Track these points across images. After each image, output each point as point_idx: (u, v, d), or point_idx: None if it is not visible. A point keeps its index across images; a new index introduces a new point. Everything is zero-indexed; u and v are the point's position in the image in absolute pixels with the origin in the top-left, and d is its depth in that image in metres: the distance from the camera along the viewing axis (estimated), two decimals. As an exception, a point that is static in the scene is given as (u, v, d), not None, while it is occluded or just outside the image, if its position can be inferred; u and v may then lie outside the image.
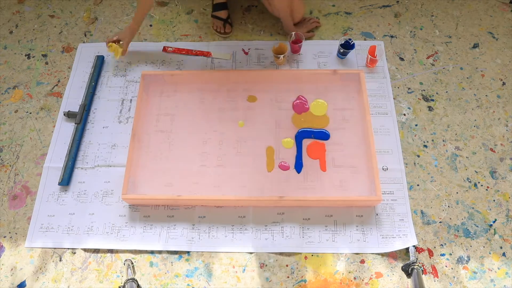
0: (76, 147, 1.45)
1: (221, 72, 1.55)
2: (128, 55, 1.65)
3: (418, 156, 1.42)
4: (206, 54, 1.63)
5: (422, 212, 1.33)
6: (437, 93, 1.54)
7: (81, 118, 1.48)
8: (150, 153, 1.42)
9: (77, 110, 1.52)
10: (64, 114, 1.51)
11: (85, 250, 1.30)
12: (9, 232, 1.35)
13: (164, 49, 1.66)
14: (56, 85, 1.62)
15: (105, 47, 1.63)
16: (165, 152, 1.43)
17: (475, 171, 1.39)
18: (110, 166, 1.43)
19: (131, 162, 1.36)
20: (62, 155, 1.46)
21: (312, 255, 1.27)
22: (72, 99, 1.57)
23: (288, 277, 1.24)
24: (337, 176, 1.35)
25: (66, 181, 1.39)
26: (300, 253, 1.27)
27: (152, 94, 1.54)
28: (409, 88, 1.55)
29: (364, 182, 1.34)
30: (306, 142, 1.42)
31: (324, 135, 1.42)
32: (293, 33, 1.54)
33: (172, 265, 1.27)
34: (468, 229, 1.30)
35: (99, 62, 1.63)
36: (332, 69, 1.50)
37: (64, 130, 1.50)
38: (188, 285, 1.24)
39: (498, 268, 1.24)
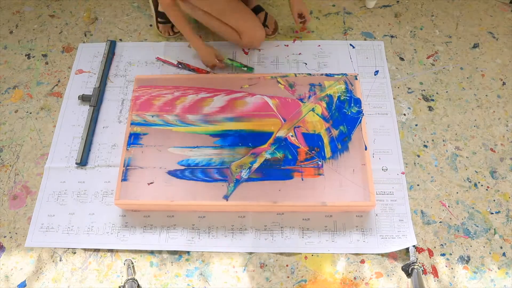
0: (93, 128, 1.49)
1: (218, 76, 1.55)
2: (128, 55, 1.66)
3: (418, 156, 1.42)
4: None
5: (422, 212, 1.33)
6: (437, 93, 1.54)
7: (96, 101, 1.52)
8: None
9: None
10: (78, 98, 1.55)
11: (85, 250, 1.31)
12: (9, 232, 1.35)
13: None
14: (56, 85, 1.62)
15: (104, 44, 1.65)
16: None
17: (475, 171, 1.39)
18: (110, 166, 1.43)
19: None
20: (63, 155, 1.46)
21: (312, 255, 1.27)
22: (73, 99, 1.57)
23: (288, 277, 1.24)
24: (336, 178, 1.34)
25: (85, 161, 1.44)
26: (300, 253, 1.27)
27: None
28: (409, 88, 1.55)
29: (359, 186, 1.31)
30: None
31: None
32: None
33: (172, 265, 1.27)
34: (468, 229, 1.30)
35: (112, 47, 1.67)
36: (323, 75, 1.51)
37: (65, 130, 1.50)
38: (188, 285, 1.24)
39: (498, 268, 1.24)
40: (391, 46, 1.65)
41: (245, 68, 1.60)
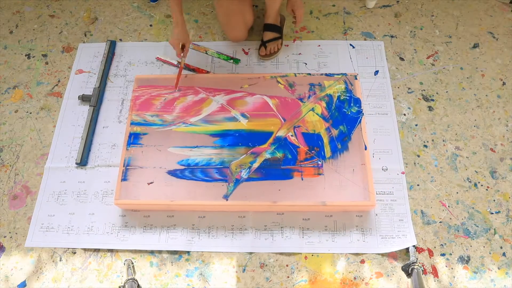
0: (93, 128, 1.49)
1: (218, 76, 1.54)
2: (128, 55, 1.66)
3: (418, 156, 1.42)
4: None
5: (422, 212, 1.33)
6: (437, 93, 1.54)
7: (96, 101, 1.52)
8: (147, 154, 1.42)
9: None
10: (78, 98, 1.55)
11: (85, 250, 1.31)
12: (9, 232, 1.35)
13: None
14: (56, 85, 1.62)
15: (104, 44, 1.65)
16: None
17: (475, 171, 1.39)
18: (110, 166, 1.43)
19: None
20: (63, 155, 1.46)
21: (312, 255, 1.27)
22: (73, 99, 1.57)
23: (288, 277, 1.24)
24: (335, 178, 1.34)
25: (85, 161, 1.43)
26: (300, 253, 1.27)
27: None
28: (409, 88, 1.55)
29: (359, 186, 1.32)
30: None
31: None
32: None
33: (172, 265, 1.27)
34: (468, 229, 1.30)
35: (112, 47, 1.67)
36: (324, 74, 1.50)
37: (65, 131, 1.51)
38: (188, 285, 1.24)
39: (498, 268, 1.24)
40: (391, 46, 1.65)
41: (231, 61, 1.61)
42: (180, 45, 1.41)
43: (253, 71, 1.60)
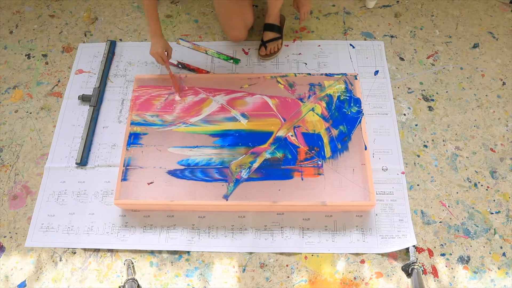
0: (93, 128, 1.49)
1: (218, 76, 1.54)
2: (128, 55, 1.66)
3: (418, 156, 1.42)
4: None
5: (422, 212, 1.33)
6: (437, 93, 1.54)
7: (96, 101, 1.52)
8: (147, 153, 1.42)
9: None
10: (78, 98, 1.55)
11: (85, 250, 1.31)
12: (9, 232, 1.35)
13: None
14: (56, 85, 1.62)
15: (104, 44, 1.65)
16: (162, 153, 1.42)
17: (475, 171, 1.39)
18: (110, 166, 1.43)
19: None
20: (63, 155, 1.46)
21: (312, 255, 1.27)
22: (73, 99, 1.57)
23: (288, 277, 1.24)
24: (335, 178, 1.34)
25: (85, 161, 1.43)
26: (300, 253, 1.27)
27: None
28: (409, 88, 1.55)
29: (359, 186, 1.32)
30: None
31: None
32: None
33: (172, 265, 1.27)
34: (468, 229, 1.30)
35: (112, 47, 1.67)
36: (324, 74, 1.50)
37: (65, 131, 1.51)
38: (188, 285, 1.24)
39: (498, 268, 1.24)
40: (391, 46, 1.65)
41: (232, 61, 1.61)
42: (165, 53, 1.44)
43: (253, 71, 1.60)
